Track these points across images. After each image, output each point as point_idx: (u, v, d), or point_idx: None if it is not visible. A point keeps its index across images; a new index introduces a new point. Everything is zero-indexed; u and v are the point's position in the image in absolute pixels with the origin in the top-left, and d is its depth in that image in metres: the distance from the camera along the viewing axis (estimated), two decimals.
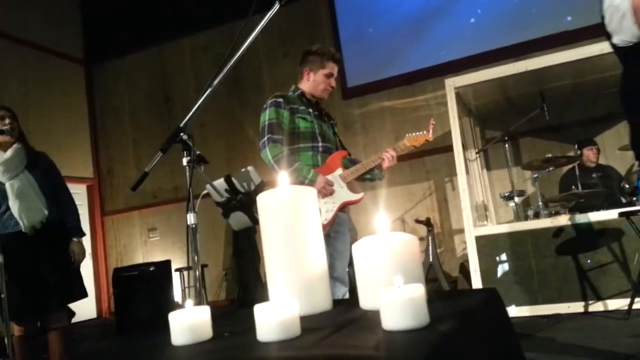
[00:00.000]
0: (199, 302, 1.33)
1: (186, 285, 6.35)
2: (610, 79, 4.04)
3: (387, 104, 6.30)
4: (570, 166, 4.86)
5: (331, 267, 2.37)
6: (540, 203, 4.30)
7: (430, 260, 5.17)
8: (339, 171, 2.64)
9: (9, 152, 2.94)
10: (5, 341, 2.69)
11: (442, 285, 5.07)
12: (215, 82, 1.58)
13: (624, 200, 4.34)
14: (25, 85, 6.97)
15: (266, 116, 2.58)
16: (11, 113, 3.03)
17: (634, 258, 3.71)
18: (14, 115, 3.04)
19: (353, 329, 0.94)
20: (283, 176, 1.18)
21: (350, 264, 1.86)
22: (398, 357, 0.74)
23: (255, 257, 6.20)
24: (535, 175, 4.46)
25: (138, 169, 7.62)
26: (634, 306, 3.41)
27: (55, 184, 3.11)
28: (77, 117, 7.86)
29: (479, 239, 4.09)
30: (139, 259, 7.48)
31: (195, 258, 1.53)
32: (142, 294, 5.54)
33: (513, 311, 3.89)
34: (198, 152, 1.62)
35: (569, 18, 5.44)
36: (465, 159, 4.44)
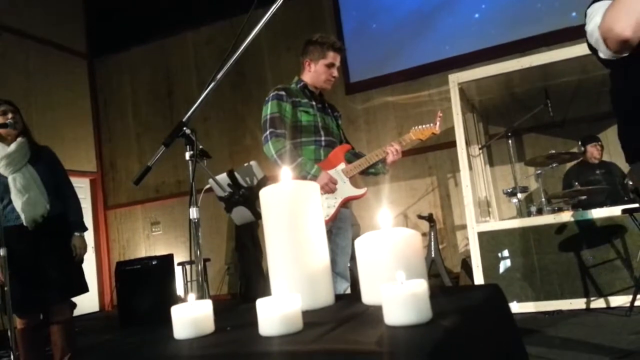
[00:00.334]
0: (201, 296, 1.33)
1: (188, 279, 6.38)
2: None
3: (391, 99, 6.28)
4: (573, 162, 4.85)
5: (333, 262, 2.36)
6: (543, 199, 4.30)
7: (433, 255, 5.17)
8: (342, 166, 2.59)
9: (13, 146, 2.94)
10: (9, 334, 2.70)
11: (444, 281, 5.08)
12: (219, 76, 1.57)
13: (626, 197, 4.33)
14: (28, 79, 6.98)
15: (268, 110, 2.53)
16: (14, 107, 3.02)
17: (637, 255, 3.70)
18: (17, 109, 3.03)
19: (355, 324, 0.94)
20: (286, 171, 1.17)
21: (353, 259, 1.86)
22: (400, 352, 0.74)
23: (257, 252, 6.22)
24: (539, 171, 4.45)
25: (141, 163, 7.64)
26: (637, 303, 3.41)
27: (59, 178, 3.10)
28: (80, 111, 7.87)
29: (482, 235, 4.09)
30: (142, 253, 7.52)
31: (198, 252, 1.53)
32: (144, 287, 5.56)
33: (515, 307, 3.89)
34: (201, 147, 1.61)
35: (573, 14, 5.40)
36: (469, 155, 4.43)
